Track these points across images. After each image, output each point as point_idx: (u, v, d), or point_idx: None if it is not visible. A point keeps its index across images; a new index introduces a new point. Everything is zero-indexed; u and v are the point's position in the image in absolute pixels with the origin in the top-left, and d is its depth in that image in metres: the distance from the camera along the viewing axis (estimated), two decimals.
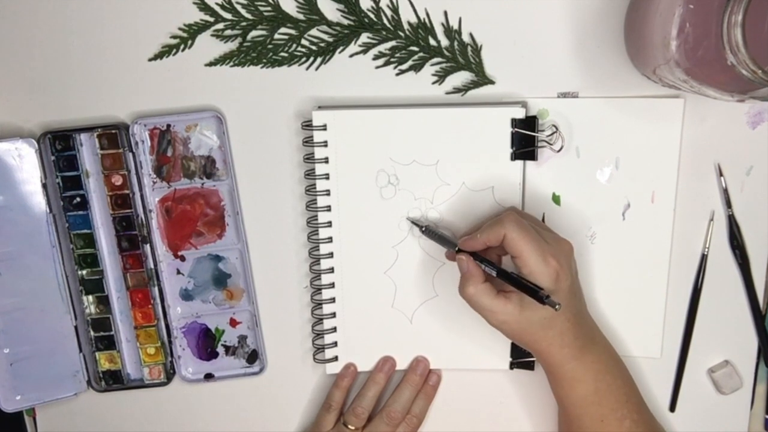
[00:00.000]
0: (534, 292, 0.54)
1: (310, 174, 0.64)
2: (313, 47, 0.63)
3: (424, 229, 0.63)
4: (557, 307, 0.53)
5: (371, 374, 0.68)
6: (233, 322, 0.69)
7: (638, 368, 0.66)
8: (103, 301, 0.68)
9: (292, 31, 0.63)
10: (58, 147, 0.65)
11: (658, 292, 0.66)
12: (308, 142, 0.64)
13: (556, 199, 0.65)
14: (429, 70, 0.64)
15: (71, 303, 0.67)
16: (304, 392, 0.70)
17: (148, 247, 0.67)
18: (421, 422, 0.68)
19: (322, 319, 0.67)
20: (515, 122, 0.62)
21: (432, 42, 0.63)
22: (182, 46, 0.63)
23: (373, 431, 0.66)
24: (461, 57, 0.63)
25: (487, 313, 0.57)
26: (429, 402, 0.68)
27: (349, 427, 0.66)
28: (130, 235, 0.66)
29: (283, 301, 0.68)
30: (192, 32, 0.63)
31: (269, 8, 0.62)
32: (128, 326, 0.69)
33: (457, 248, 0.60)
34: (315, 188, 0.64)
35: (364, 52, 0.63)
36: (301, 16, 0.63)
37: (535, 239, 0.56)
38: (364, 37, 0.63)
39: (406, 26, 0.63)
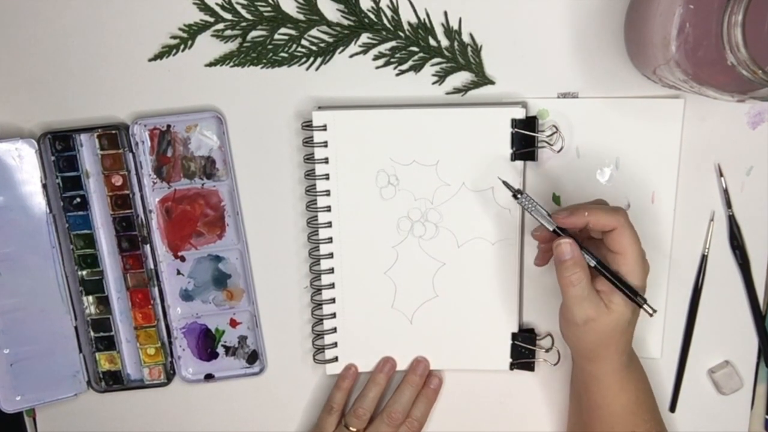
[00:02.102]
0: (634, 293, 0.54)
1: (310, 174, 0.64)
2: (313, 47, 0.63)
3: (520, 196, 0.57)
4: (653, 313, 0.53)
5: (372, 375, 0.67)
6: (233, 323, 0.69)
7: None
8: (103, 302, 0.68)
9: (292, 32, 0.63)
10: (58, 147, 0.65)
11: (658, 292, 0.66)
12: (308, 142, 0.64)
13: (556, 200, 0.65)
14: (429, 70, 0.64)
15: (71, 303, 0.67)
16: (304, 392, 0.70)
17: (148, 247, 0.67)
18: (422, 426, 0.67)
19: (322, 320, 0.67)
20: (515, 122, 0.62)
21: (432, 42, 0.63)
22: (182, 46, 0.63)
23: None
24: (461, 57, 0.63)
25: (582, 304, 0.54)
26: (430, 405, 0.68)
27: (351, 428, 0.66)
28: (130, 236, 0.66)
29: (283, 302, 0.68)
30: (192, 32, 0.63)
31: (269, 8, 0.62)
32: (128, 327, 0.69)
33: (554, 228, 0.56)
34: (315, 188, 0.64)
35: (364, 52, 0.63)
36: (301, 17, 0.63)
37: (639, 241, 0.55)
38: (364, 38, 0.63)
39: (406, 26, 0.63)
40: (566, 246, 0.55)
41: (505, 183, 0.59)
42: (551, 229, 0.56)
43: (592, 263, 0.55)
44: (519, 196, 0.57)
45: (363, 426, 0.66)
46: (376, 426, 0.66)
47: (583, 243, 0.56)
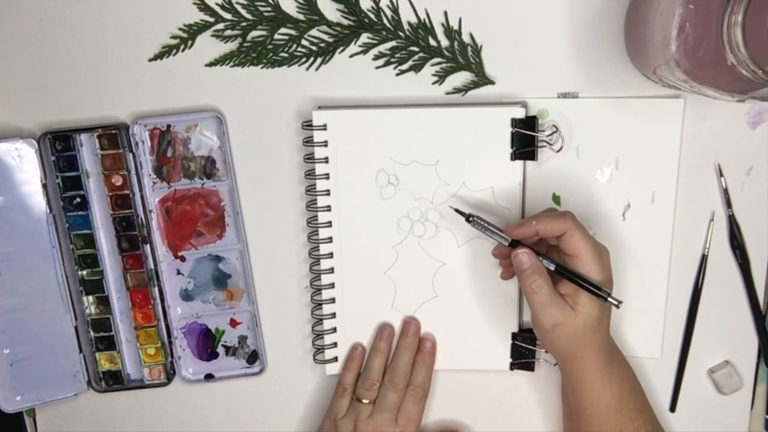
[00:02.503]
0: (597, 288, 0.55)
1: (310, 174, 0.64)
2: (313, 47, 0.63)
3: (470, 218, 0.59)
4: (619, 304, 0.54)
5: (373, 344, 0.67)
6: (233, 323, 0.69)
7: (638, 368, 0.66)
8: (103, 302, 0.68)
9: (292, 32, 0.63)
10: (58, 147, 0.65)
11: (658, 292, 0.66)
12: (308, 142, 0.64)
13: (556, 200, 0.65)
14: (429, 70, 0.64)
15: (71, 303, 0.67)
16: (304, 392, 0.70)
17: (148, 247, 0.67)
18: (426, 392, 0.66)
19: (322, 320, 0.67)
20: (515, 122, 0.62)
21: (432, 42, 0.63)
22: (182, 46, 0.63)
23: (382, 402, 0.64)
24: (461, 57, 0.63)
25: (548, 310, 0.55)
26: (430, 369, 0.67)
27: (363, 401, 0.65)
28: (130, 236, 0.66)
29: (283, 302, 0.68)
30: (192, 32, 0.63)
31: (269, 8, 0.62)
32: (128, 327, 0.69)
33: (509, 242, 0.58)
34: (315, 188, 0.64)
35: (364, 52, 0.63)
36: (301, 17, 0.63)
37: (593, 241, 0.56)
38: (364, 38, 0.63)
39: (406, 26, 0.63)
40: (523, 256, 0.56)
41: (456, 210, 0.61)
42: (506, 244, 0.58)
43: (552, 267, 0.56)
44: (471, 219, 0.59)
45: (374, 396, 0.65)
46: (383, 394, 0.65)
47: (543, 251, 0.57)
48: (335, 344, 0.67)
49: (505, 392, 0.69)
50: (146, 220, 0.66)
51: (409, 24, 0.63)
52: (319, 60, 0.64)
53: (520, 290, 0.66)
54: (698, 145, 0.63)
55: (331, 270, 0.66)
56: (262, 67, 0.64)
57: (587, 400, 0.59)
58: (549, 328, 0.56)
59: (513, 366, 0.67)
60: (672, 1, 0.48)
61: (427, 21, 0.62)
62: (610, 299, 0.55)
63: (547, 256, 0.57)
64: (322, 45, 0.63)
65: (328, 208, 0.65)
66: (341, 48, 0.63)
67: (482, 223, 0.59)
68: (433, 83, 0.64)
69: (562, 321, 0.55)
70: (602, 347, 0.57)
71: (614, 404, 0.58)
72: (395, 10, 0.62)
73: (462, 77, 0.64)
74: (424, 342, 0.67)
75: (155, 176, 0.66)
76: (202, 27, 0.63)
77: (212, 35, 0.63)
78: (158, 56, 0.64)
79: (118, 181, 0.65)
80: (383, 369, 0.66)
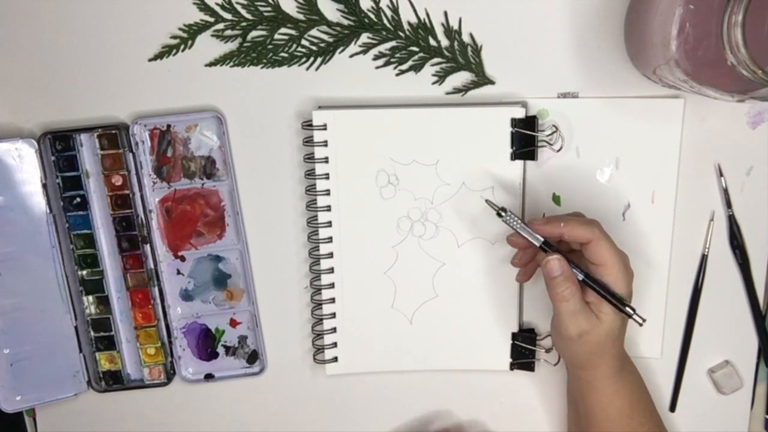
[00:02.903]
0: (622, 303, 0.54)
1: (310, 174, 0.64)
2: (313, 47, 0.63)
3: (503, 213, 0.58)
4: (642, 322, 0.54)
5: None
6: (233, 323, 0.69)
7: (638, 368, 0.66)
8: (103, 302, 0.68)
9: (292, 32, 0.63)
10: (58, 147, 0.65)
11: (658, 292, 0.66)
12: (308, 142, 0.64)
13: (556, 200, 0.65)
14: (429, 70, 0.64)
15: (71, 303, 0.67)
16: (304, 392, 0.70)
17: (148, 247, 0.67)
18: None
19: (322, 320, 0.67)
20: (515, 122, 0.62)
21: (432, 42, 0.63)
22: (182, 46, 0.63)
23: None
24: (461, 57, 0.63)
25: (575, 319, 0.55)
26: None
27: None
28: (130, 236, 0.66)
29: (283, 302, 0.68)
30: (192, 32, 0.63)
31: (269, 8, 0.62)
32: (128, 326, 0.69)
33: (541, 244, 0.56)
34: (315, 188, 0.64)
35: (364, 52, 0.63)
36: (301, 17, 0.63)
37: (617, 248, 0.55)
38: (364, 38, 0.63)
39: (406, 26, 0.63)
40: (555, 262, 0.55)
41: (488, 202, 0.60)
42: (538, 245, 0.57)
43: (580, 277, 0.55)
44: (503, 214, 0.58)
45: None
46: None
47: (568, 257, 0.56)
48: (335, 344, 0.67)
49: (505, 392, 0.69)
50: (146, 220, 0.66)
51: (409, 24, 0.63)
52: (319, 60, 0.63)
53: (520, 290, 0.66)
54: (698, 145, 0.63)
55: (331, 270, 0.66)
56: (262, 67, 0.64)
57: (599, 405, 0.59)
58: (575, 336, 0.55)
59: (513, 366, 0.67)
60: (672, 1, 0.48)
61: (427, 21, 0.62)
62: (635, 317, 0.54)
63: (576, 263, 0.56)
64: (322, 45, 0.63)
65: (328, 208, 0.65)
66: (341, 48, 0.63)
67: (515, 219, 0.57)
68: (433, 83, 0.64)
69: (587, 330, 0.55)
70: (617, 354, 0.57)
71: (626, 410, 0.58)
72: (395, 10, 0.62)
73: (462, 77, 0.64)
74: None
75: (155, 176, 0.66)
76: (202, 27, 0.63)
77: (212, 35, 0.63)
78: (158, 56, 0.64)
79: (118, 181, 0.65)
80: None
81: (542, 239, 0.56)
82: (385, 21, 0.62)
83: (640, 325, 0.55)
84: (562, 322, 0.55)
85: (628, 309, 0.55)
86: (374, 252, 0.65)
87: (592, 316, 0.55)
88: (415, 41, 0.63)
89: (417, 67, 0.63)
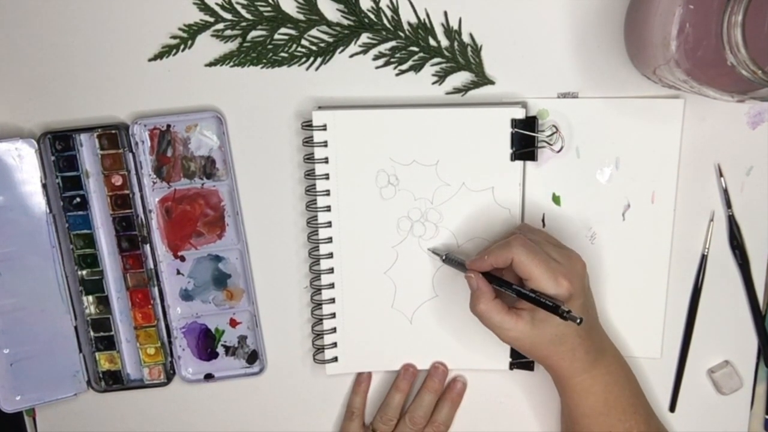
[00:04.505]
0: (555, 308, 0.54)
1: (310, 174, 0.64)
2: (313, 47, 0.63)
3: (444, 258, 0.63)
4: (579, 321, 0.54)
5: (395, 382, 0.68)
6: (233, 323, 0.69)
7: (638, 368, 0.66)
8: (103, 302, 0.68)
9: (292, 32, 0.63)
10: (58, 147, 0.65)
11: (658, 292, 0.66)
12: (308, 142, 0.64)
13: (556, 200, 0.65)
14: (429, 70, 0.64)
15: (71, 303, 0.67)
16: (304, 392, 0.70)
17: (148, 247, 0.67)
18: (448, 428, 0.69)
19: (321, 320, 0.67)
20: (515, 122, 0.62)
21: (432, 42, 0.63)
22: (182, 46, 0.63)
23: None
24: (461, 57, 0.63)
25: (498, 329, 0.58)
26: (455, 409, 0.69)
27: None
28: (130, 236, 0.66)
29: (283, 302, 0.68)
30: (192, 32, 0.63)
31: (269, 8, 0.62)
32: (128, 326, 0.69)
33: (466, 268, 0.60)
34: (315, 188, 0.64)
35: (364, 52, 0.63)
36: (301, 17, 0.63)
37: (544, 261, 0.56)
38: (364, 38, 0.63)
39: (406, 26, 0.63)
40: (470, 280, 0.59)
41: (432, 252, 0.65)
42: (464, 273, 0.60)
43: (511, 291, 0.57)
44: (444, 258, 0.63)
45: (390, 430, 0.68)
46: (400, 429, 0.67)
47: (502, 274, 0.59)
48: (335, 344, 0.67)
49: (505, 392, 0.69)
50: (146, 220, 0.66)
51: (409, 24, 0.63)
52: (319, 60, 0.64)
53: None
54: (698, 145, 0.63)
55: (331, 270, 0.66)
56: (262, 67, 0.64)
57: (571, 401, 0.60)
58: (509, 343, 0.59)
59: (512, 366, 0.67)
60: (672, 1, 0.48)
61: (427, 21, 0.62)
62: (568, 317, 0.54)
63: (503, 279, 0.58)
64: (322, 45, 0.63)
65: (328, 209, 0.65)
66: (341, 48, 0.63)
67: (454, 259, 0.62)
68: (433, 83, 0.64)
69: (517, 336, 0.57)
70: (574, 357, 0.57)
71: (599, 407, 0.59)
72: (395, 10, 0.62)
73: (462, 77, 0.64)
74: (455, 382, 0.69)
75: (155, 176, 0.66)
76: (202, 27, 0.63)
77: (212, 35, 0.63)
78: (158, 56, 0.64)
79: (118, 181, 0.65)
80: (401, 408, 0.68)
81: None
82: (385, 21, 0.62)
83: (578, 323, 0.54)
84: (495, 332, 0.58)
85: (560, 311, 0.54)
86: (374, 252, 0.65)
87: (521, 322, 0.56)
88: (415, 41, 0.63)
89: (417, 67, 0.63)
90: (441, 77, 0.64)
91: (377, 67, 0.64)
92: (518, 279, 0.58)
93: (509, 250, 0.56)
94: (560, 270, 0.56)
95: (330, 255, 0.65)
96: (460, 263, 0.62)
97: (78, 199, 0.66)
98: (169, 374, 0.69)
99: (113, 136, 0.64)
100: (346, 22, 0.63)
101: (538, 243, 0.57)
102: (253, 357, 0.70)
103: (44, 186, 0.65)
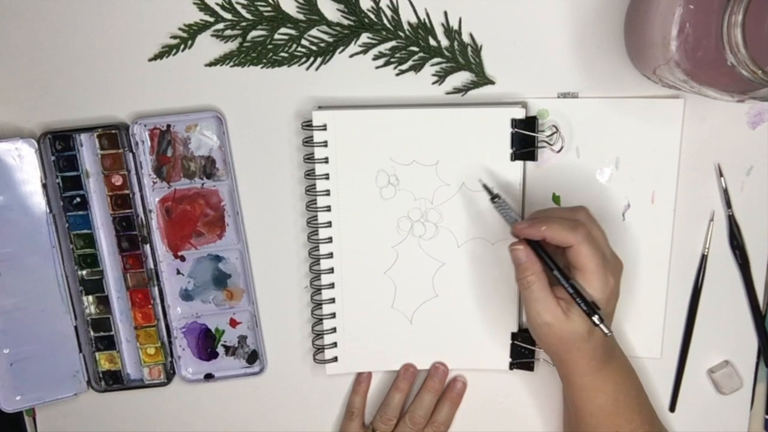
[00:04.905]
0: (589, 312, 0.54)
1: (310, 174, 0.64)
2: (313, 47, 0.63)
3: (494, 198, 0.59)
4: (608, 333, 0.53)
5: (395, 382, 0.68)
6: (233, 323, 0.69)
7: (638, 368, 0.66)
8: (103, 302, 0.68)
9: (292, 31, 0.63)
10: (58, 147, 0.65)
11: (658, 292, 0.66)
12: (308, 142, 0.64)
13: (556, 200, 0.65)
14: (429, 70, 0.64)
15: (71, 303, 0.67)
16: (304, 392, 0.70)
17: (148, 247, 0.67)
18: (447, 428, 0.69)
19: (321, 320, 0.67)
20: (515, 122, 0.62)
21: (432, 42, 0.63)
22: (182, 46, 0.63)
23: None
24: (461, 57, 0.63)
25: (536, 307, 0.55)
26: (455, 408, 0.69)
27: None
28: (130, 236, 0.66)
29: (283, 301, 0.68)
30: (192, 32, 0.63)
31: (269, 8, 0.62)
32: (128, 326, 0.69)
33: (511, 231, 0.57)
34: (315, 188, 0.64)
35: (364, 52, 0.63)
36: (301, 16, 0.63)
37: (601, 256, 0.54)
38: (364, 38, 0.63)
39: (406, 26, 0.63)
40: (520, 252, 0.56)
41: (485, 186, 0.61)
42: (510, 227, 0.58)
43: (554, 272, 0.55)
44: (496, 200, 0.59)
45: (390, 430, 0.68)
46: (400, 429, 0.67)
47: (550, 249, 0.56)
48: (335, 344, 0.67)
49: (504, 392, 0.69)
50: (146, 219, 0.66)
51: (409, 24, 0.63)
52: (319, 60, 0.64)
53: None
54: (698, 145, 0.63)
55: (331, 270, 0.66)
56: (262, 67, 0.64)
57: (579, 401, 0.59)
58: (535, 325, 0.56)
59: (513, 366, 0.67)
60: (672, 1, 0.48)
61: (427, 21, 0.62)
62: (601, 326, 0.54)
63: (552, 257, 0.56)
64: (322, 45, 0.63)
65: (328, 209, 0.65)
66: (341, 48, 0.63)
67: (505, 206, 0.59)
68: (433, 83, 0.64)
69: (549, 322, 0.55)
70: (593, 355, 0.57)
71: (608, 407, 0.59)
72: (395, 10, 0.62)
73: (462, 77, 0.64)
74: (455, 382, 0.69)
75: (155, 176, 0.66)
76: (202, 27, 0.63)
77: (212, 35, 0.63)
78: (158, 56, 0.64)
79: (118, 181, 0.65)
80: (402, 408, 0.68)
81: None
82: (385, 21, 0.62)
83: (606, 335, 0.54)
84: (527, 308, 0.56)
85: (595, 317, 0.54)
86: (374, 252, 0.65)
87: (558, 310, 0.55)
88: (415, 41, 0.63)
89: (417, 67, 0.63)
90: (441, 77, 0.64)
91: (377, 67, 0.64)
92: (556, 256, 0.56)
93: (574, 235, 0.54)
94: (610, 268, 0.55)
95: (330, 255, 0.65)
96: (508, 214, 0.59)
97: (78, 199, 0.66)
98: (169, 374, 0.69)
99: (113, 136, 0.64)
100: (346, 22, 0.63)
101: (596, 238, 0.56)
102: (253, 357, 0.70)
103: (44, 186, 0.65)
